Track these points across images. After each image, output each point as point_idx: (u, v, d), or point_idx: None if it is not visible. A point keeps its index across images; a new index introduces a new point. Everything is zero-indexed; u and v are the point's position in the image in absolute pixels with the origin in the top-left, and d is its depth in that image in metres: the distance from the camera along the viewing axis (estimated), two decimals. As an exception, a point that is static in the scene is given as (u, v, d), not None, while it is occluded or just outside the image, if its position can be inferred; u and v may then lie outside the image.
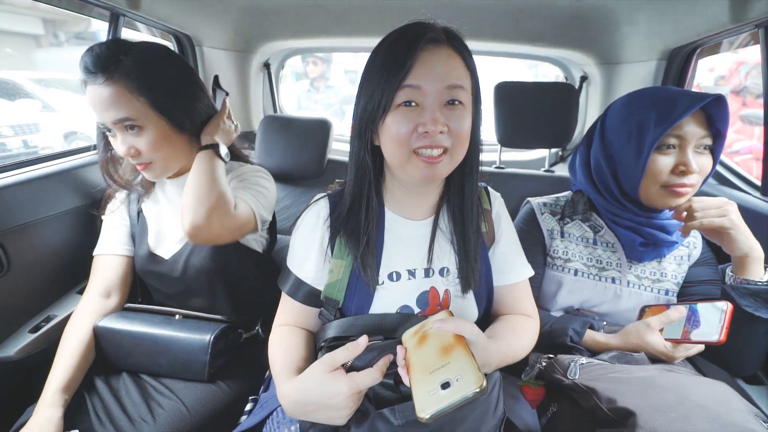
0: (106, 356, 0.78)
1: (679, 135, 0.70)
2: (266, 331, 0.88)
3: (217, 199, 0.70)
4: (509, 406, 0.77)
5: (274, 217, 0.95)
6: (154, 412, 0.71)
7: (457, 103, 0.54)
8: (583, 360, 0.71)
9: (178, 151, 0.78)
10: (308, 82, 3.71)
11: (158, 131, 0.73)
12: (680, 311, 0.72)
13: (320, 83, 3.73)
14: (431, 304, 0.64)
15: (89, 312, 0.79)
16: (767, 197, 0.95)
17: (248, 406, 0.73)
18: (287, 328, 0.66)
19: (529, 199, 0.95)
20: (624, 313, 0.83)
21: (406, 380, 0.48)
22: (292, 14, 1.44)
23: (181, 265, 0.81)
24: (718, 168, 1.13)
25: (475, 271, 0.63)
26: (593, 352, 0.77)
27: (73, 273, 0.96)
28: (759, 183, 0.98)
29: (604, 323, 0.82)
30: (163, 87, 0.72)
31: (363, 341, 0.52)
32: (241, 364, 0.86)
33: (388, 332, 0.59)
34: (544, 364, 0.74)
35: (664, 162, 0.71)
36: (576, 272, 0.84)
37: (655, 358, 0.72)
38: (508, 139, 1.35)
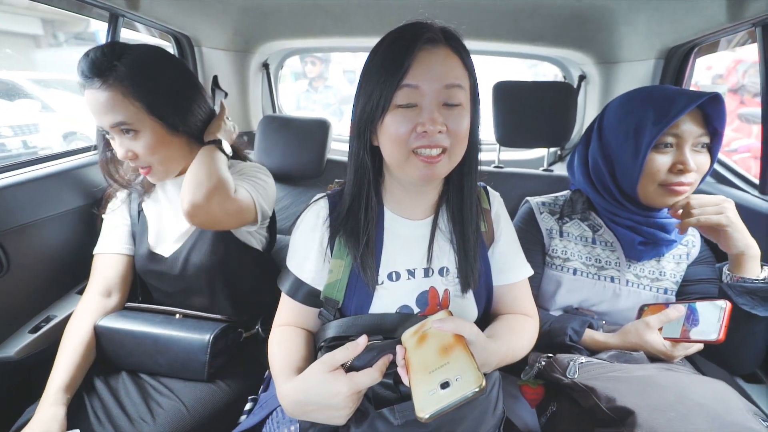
0: (107, 355, 0.78)
1: (676, 134, 0.70)
2: (266, 331, 0.88)
3: (217, 181, 0.71)
4: (509, 406, 0.77)
5: (273, 215, 0.95)
6: (154, 412, 0.71)
7: (455, 102, 0.54)
8: (583, 359, 0.71)
9: (176, 153, 0.78)
10: (307, 82, 3.71)
11: (154, 135, 0.73)
12: (679, 310, 0.73)
13: (319, 83, 3.73)
14: (431, 303, 0.64)
15: (90, 311, 0.79)
16: (765, 196, 0.95)
17: (248, 406, 0.73)
18: (287, 328, 0.66)
19: (528, 198, 0.95)
20: (623, 312, 0.83)
21: (405, 380, 0.48)
22: (291, 14, 1.44)
23: (181, 262, 0.82)
24: (717, 166, 1.13)
25: (474, 271, 0.63)
26: (592, 351, 0.77)
27: (73, 273, 0.96)
28: (757, 181, 0.99)
29: (603, 322, 0.82)
30: (158, 91, 0.72)
31: (362, 341, 0.52)
32: (241, 363, 0.86)
33: (387, 332, 0.59)
34: (543, 363, 0.75)
35: (661, 161, 0.72)
36: (575, 271, 0.84)
37: (654, 357, 0.72)
38: (506, 139, 1.35)
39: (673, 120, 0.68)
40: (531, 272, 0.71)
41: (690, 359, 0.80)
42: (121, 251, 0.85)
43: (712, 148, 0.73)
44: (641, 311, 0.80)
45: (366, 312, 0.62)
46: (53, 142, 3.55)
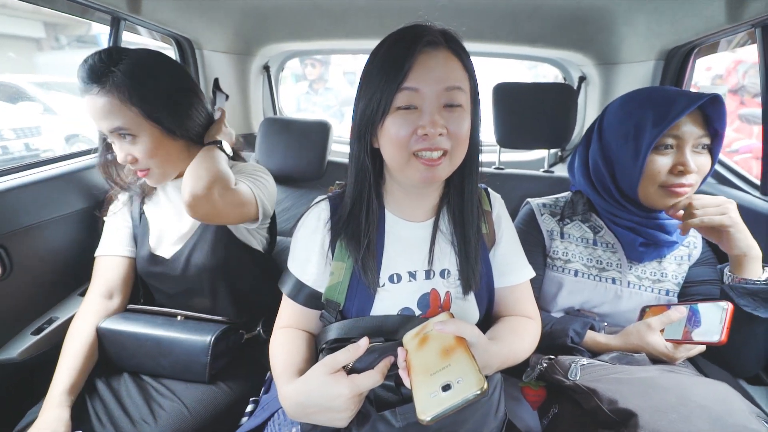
0: (109, 357, 0.78)
1: (676, 135, 0.70)
2: (267, 332, 0.88)
3: (217, 172, 0.72)
4: (510, 408, 0.77)
5: (274, 217, 0.96)
6: (155, 414, 0.71)
7: (455, 105, 0.55)
8: (584, 361, 0.71)
9: (174, 156, 0.79)
10: (307, 84, 3.72)
11: (152, 139, 0.74)
12: (681, 311, 0.72)
13: (319, 85, 3.74)
14: (432, 305, 0.64)
15: (92, 313, 0.79)
16: (767, 197, 0.95)
17: (249, 408, 0.73)
18: (288, 330, 0.67)
19: (529, 200, 0.95)
20: (625, 314, 0.82)
21: (407, 382, 0.48)
22: (292, 17, 1.45)
23: (182, 263, 0.82)
24: (718, 167, 1.13)
25: (475, 273, 0.63)
26: (594, 352, 0.77)
27: (75, 275, 0.97)
28: (758, 182, 0.98)
29: (605, 324, 0.82)
30: (155, 95, 0.73)
31: (364, 343, 0.52)
32: (243, 365, 0.86)
33: (389, 334, 0.59)
34: (545, 365, 0.74)
35: (662, 162, 0.72)
36: (576, 273, 0.84)
37: (656, 359, 0.72)
38: (507, 140, 1.35)
39: (673, 121, 0.68)
40: (533, 274, 0.71)
41: (692, 361, 0.79)
42: (122, 253, 0.85)
43: (713, 150, 0.73)
44: (643, 313, 0.80)
45: (367, 314, 0.62)
46: (55, 145, 3.57)
